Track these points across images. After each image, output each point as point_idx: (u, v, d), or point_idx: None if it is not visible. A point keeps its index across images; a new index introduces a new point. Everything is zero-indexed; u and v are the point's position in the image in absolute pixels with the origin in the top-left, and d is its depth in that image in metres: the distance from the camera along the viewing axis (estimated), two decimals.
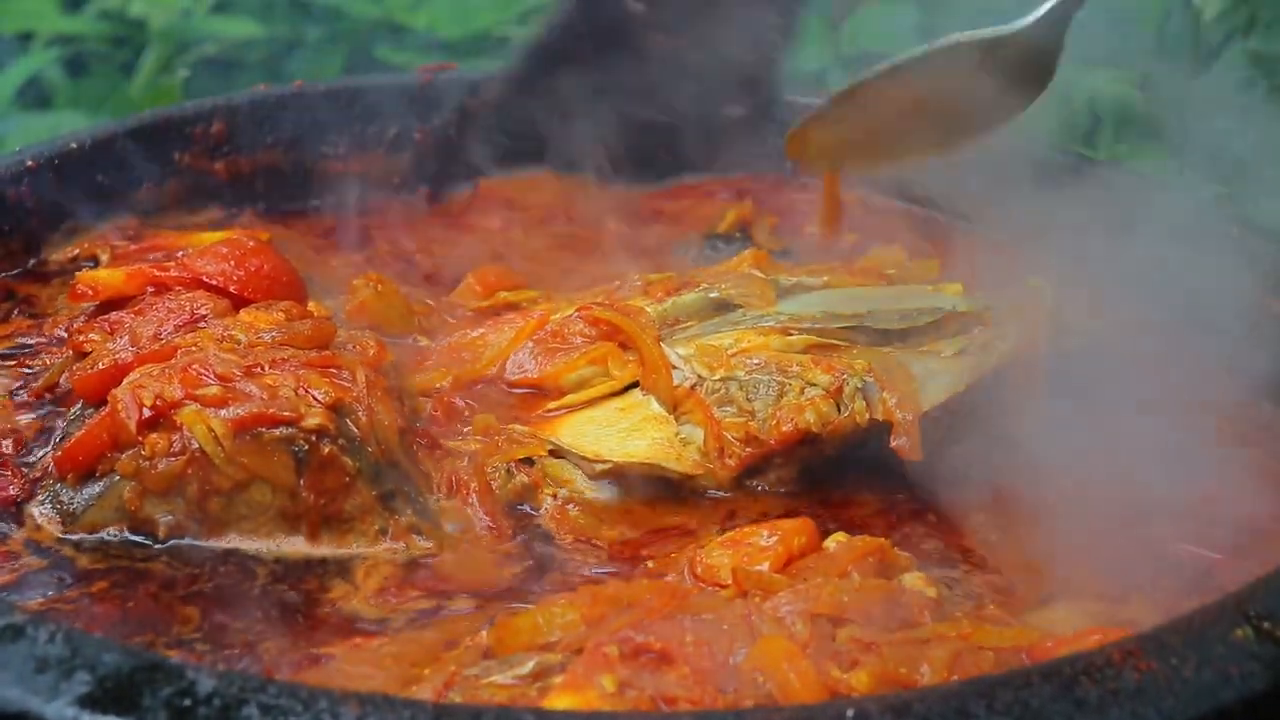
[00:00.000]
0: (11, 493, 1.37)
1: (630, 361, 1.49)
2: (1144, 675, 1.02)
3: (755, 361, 1.45)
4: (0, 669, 1.00)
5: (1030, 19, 1.30)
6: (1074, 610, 1.30)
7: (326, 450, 1.33)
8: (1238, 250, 1.65)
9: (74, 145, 1.79)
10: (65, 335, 1.54)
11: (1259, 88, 2.14)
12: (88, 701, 0.98)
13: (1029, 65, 1.31)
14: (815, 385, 1.44)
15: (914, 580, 1.23)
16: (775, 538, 1.28)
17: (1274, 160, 2.19)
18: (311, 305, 1.48)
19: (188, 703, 0.98)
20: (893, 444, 1.41)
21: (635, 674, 1.08)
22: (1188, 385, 1.54)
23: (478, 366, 1.53)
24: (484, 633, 1.20)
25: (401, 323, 1.60)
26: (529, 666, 1.13)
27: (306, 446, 1.32)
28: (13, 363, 1.55)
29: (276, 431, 1.32)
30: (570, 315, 1.53)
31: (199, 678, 0.99)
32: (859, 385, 1.43)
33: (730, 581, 1.22)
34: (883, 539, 1.26)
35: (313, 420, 1.32)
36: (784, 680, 1.06)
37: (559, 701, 1.07)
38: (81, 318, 1.53)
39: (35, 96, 2.99)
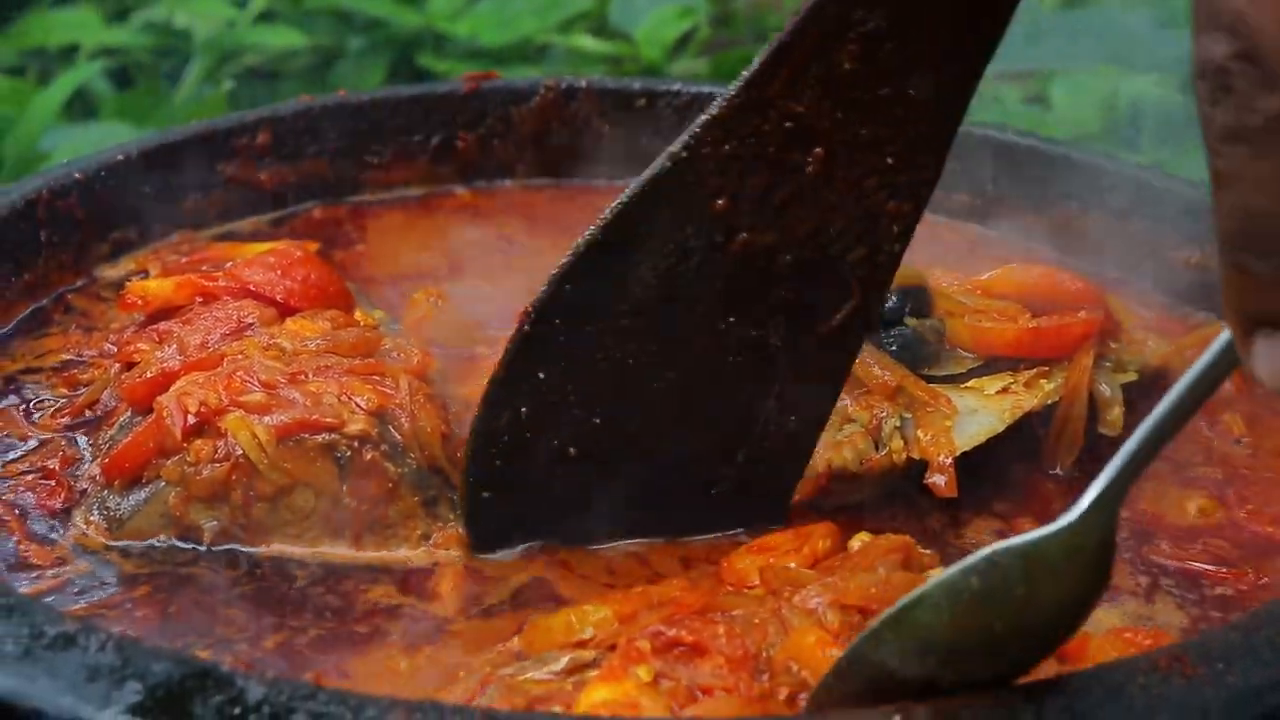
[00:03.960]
0: (58, 503, 1.38)
1: None
2: (1190, 680, 1.02)
3: None
4: (52, 677, 1.01)
5: (1076, 513, 1.01)
6: (1109, 609, 1.30)
7: (369, 456, 1.33)
8: None
9: (120, 157, 1.80)
10: (114, 348, 1.55)
11: None
12: (139, 710, 0.99)
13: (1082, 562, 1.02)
14: (854, 421, 1.43)
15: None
16: (800, 541, 1.28)
17: None
18: (358, 314, 1.49)
19: (237, 710, 0.98)
20: (928, 481, 1.40)
21: (669, 665, 1.08)
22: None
23: None
24: (516, 638, 1.21)
25: (460, 336, 1.61)
26: (563, 662, 1.13)
27: (349, 452, 1.33)
28: (64, 376, 1.57)
29: (319, 438, 1.33)
30: None
31: (248, 685, 0.99)
32: (897, 424, 1.43)
33: (758, 582, 1.22)
34: (906, 536, 1.25)
35: (355, 426, 1.33)
36: (821, 669, 1.06)
37: (596, 693, 1.07)
38: (131, 328, 1.54)
39: (81, 109, 3.01)
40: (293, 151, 1.92)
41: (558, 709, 1.08)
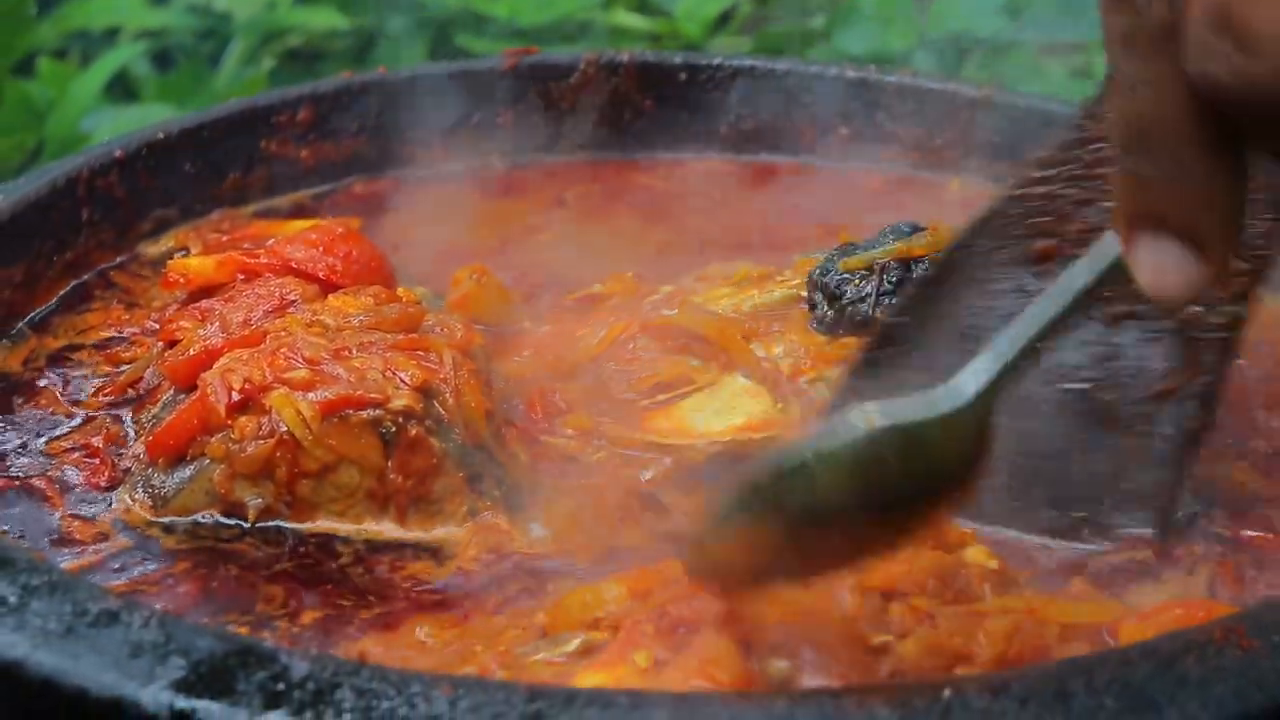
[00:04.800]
0: (103, 480, 1.38)
1: (711, 366, 1.47)
2: (1247, 653, 1.00)
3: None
4: (96, 654, 1.01)
5: (960, 401, 1.00)
6: (1161, 584, 1.28)
7: (414, 432, 1.32)
8: None
9: (161, 135, 1.80)
10: (157, 325, 1.55)
11: None
12: (182, 686, 0.98)
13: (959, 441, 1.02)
14: None
15: (975, 554, 1.21)
16: None
17: None
18: (400, 291, 1.49)
19: (281, 686, 0.98)
20: None
21: (672, 650, 1.07)
22: None
23: (569, 360, 1.53)
24: (541, 614, 1.19)
25: (504, 313, 1.60)
26: (574, 644, 1.12)
27: (394, 428, 1.32)
28: (106, 354, 1.57)
29: (364, 414, 1.32)
30: (634, 330, 1.52)
31: (292, 662, 0.99)
32: None
33: None
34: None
35: (399, 402, 1.32)
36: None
37: (588, 679, 1.05)
38: (174, 306, 1.54)
39: (123, 91, 3.02)
40: (334, 129, 1.92)
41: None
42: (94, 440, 1.43)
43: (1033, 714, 0.95)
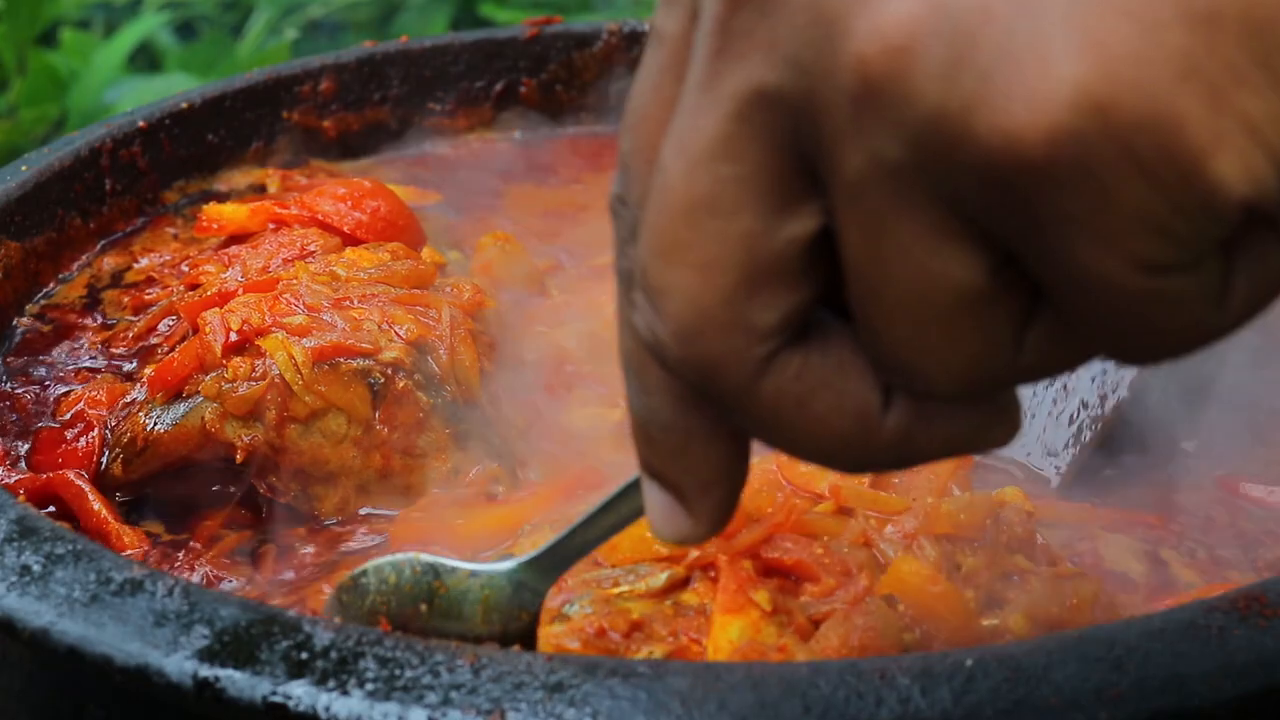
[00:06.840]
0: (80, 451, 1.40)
1: None
2: (1271, 622, 1.00)
3: None
4: (120, 623, 1.01)
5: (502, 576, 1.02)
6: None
7: (401, 384, 1.34)
8: None
9: (184, 105, 1.80)
10: (185, 269, 1.58)
11: None
12: (207, 655, 0.98)
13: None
14: None
15: (1012, 494, 1.19)
16: None
17: None
18: (426, 251, 1.49)
19: (305, 655, 0.97)
20: None
21: (777, 595, 1.05)
22: None
23: (587, 330, 1.52)
24: None
25: (528, 281, 1.60)
26: (661, 580, 1.09)
27: (382, 379, 1.34)
28: (132, 297, 1.60)
29: (354, 363, 1.34)
30: None
31: (316, 631, 0.99)
32: None
33: (827, 494, 1.16)
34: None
35: (390, 354, 1.34)
36: (928, 605, 1.04)
37: (728, 628, 1.03)
38: (208, 252, 1.57)
39: (146, 61, 3.03)
40: (356, 99, 1.92)
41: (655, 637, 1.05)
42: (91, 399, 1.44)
43: (1054, 687, 0.94)
